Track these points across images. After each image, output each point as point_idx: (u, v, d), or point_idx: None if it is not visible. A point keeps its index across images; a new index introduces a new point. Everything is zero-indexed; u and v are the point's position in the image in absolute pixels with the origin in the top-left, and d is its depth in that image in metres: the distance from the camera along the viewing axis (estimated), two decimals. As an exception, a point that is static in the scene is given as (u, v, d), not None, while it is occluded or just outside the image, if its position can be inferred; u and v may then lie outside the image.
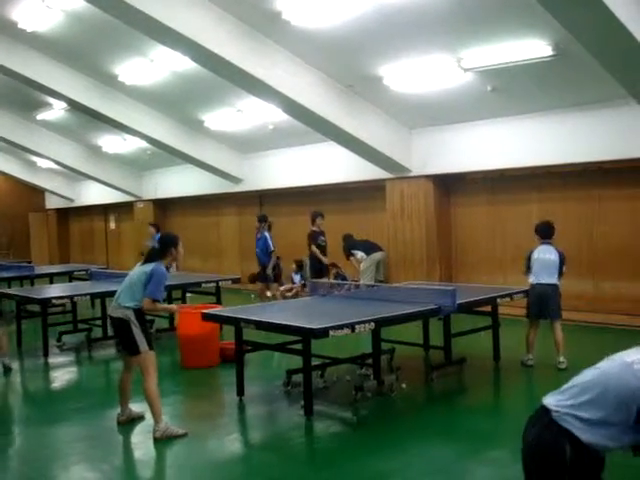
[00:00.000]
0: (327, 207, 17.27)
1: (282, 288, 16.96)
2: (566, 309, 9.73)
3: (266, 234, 13.80)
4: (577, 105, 11.48)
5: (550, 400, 3.19)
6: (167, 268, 6.83)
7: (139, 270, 6.58)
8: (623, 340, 8.51)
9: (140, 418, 6.97)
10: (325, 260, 13.47)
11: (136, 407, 7.03)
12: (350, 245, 14.89)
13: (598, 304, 12.25)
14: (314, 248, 13.30)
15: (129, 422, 6.89)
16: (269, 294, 16.22)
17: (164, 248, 6.66)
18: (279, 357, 8.18)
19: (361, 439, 6.38)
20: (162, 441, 6.30)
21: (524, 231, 11.85)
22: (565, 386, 3.21)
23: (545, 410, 3.17)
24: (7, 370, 9.42)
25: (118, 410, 6.90)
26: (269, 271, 13.83)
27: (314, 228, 13.51)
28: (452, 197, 14.66)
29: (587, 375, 3.16)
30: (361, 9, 9.69)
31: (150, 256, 6.66)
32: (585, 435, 3.01)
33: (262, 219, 14.09)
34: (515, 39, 9.93)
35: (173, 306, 7.64)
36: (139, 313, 6.55)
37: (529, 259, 8.96)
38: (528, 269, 8.98)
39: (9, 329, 10.97)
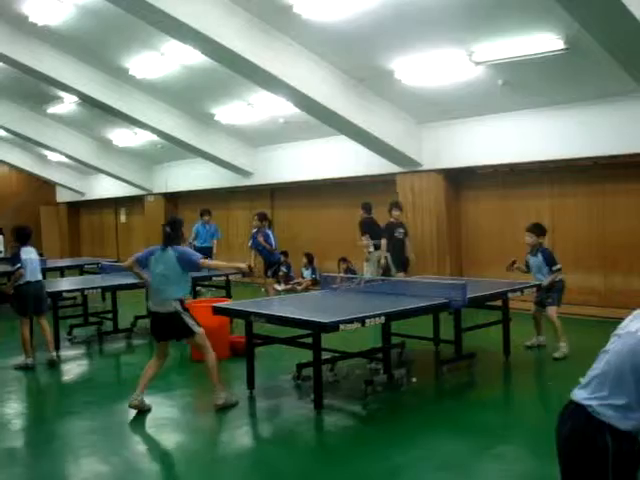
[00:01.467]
0: (337, 201, 17.33)
1: (292, 282, 17.01)
2: (577, 303, 9.77)
3: (268, 232, 13.76)
4: (589, 99, 11.41)
5: (579, 395, 3.14)
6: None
7: (166, 262, 6.94)
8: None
9: (147, 411, 7.09)
10: (411, 255, 13.13)
11: (148, 400, 7.06)
12: (368, 227, 13.75)
13: (609, 298, 12.20)
14: (383, 242, 12.90)
15: (138, 412, 7.02)
16: (279, 288, 16.27)
17: (176, 229, 7.09)
18: (289, 351, 8.18)
19: (371, 433, 6.39)
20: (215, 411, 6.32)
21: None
22: (586, 379, 3.17)
23: (577, 406, 3.12)
24: (52, 364, 9.46)
25: (134, 394, 7.03)
26: (269, 272, 13.77)
27: (391, 219, 13.14)
28: (463, 191, 14.62)
29: (600, 362, 3.11)
30: (372, 2, 9.66)
31: (169, 239, 7.03)
32: (622, 423, 2.95)
33: (263, 217, 13.97)
34: (526, 33, 9.87)
35: (224, 263, 8.02)
36: (182, 301, 7.00)
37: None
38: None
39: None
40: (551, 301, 9.11)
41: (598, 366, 3.12)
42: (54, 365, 9.40)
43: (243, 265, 7.85)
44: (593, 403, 3.03)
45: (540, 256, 9.21)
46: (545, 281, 9.11)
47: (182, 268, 6.94)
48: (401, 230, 13.07)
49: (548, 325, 9.30)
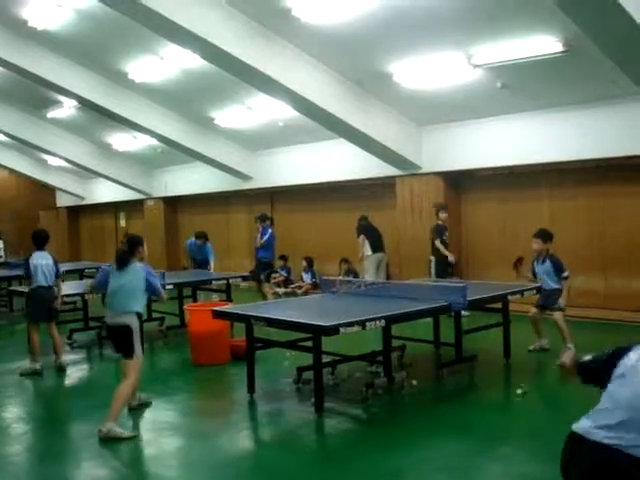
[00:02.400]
0: (337, 204, 17.32)
1: (292, 286, 17.02)
2: (577, 306, 9.76)
3: (270, 230, 13.78)
4: (588, 101, 11.43)
5: (599, 435, 3.00)
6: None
7: (131, 275, 6.80)
8: (635, 337, 8.48)
9: (148, 404, 7.35)
10: (451, 257, 12.59)
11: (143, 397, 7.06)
12: (364, 228, 14.65)
13: (609, 301, 12.20)
14: (438, 243, 12.54)
15: (139, 408, 7.22)
16: (279, 291, 16.27)
17: (132, 248, 6.95)
18: (290, 354, 8.18)
19: (372, 436, 6.39)
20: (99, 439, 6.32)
21: (535, 228, 11.80)
22: (607, 419, 3.03)
23: (597, 445, 2.98)
24: (61, 369, 9.44)
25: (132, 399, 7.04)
26: (263, 274, 13.77)
27: (439, 222, 12.73)
28: (462, 194, 14.63)
29: (622, 399, 3.01)
30: (371, 5, 9.68)
31: (123, 259, 6.90)
32: None
33: (264, 218, 14.01)
34: (525, 35, 9.89)
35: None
36: (140, 317, 6.85)
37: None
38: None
39: (20, 327, 11.02)
40: (558, 306, 9.09)
41: (620, 403, 3.01)
42: (63, 370, 9.38)
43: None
44: (622, 443, 2.91)
45: (548, 263, 9.13)
46: (556, 290, 9.10)
47: (145, 286, 6.87)
48: (447, 233, 12.77)
49: (547, 327, 9.31)
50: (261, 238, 13.78)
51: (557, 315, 9.06)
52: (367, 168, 15.03)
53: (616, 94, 10.95)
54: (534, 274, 9.37)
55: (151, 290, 6.99)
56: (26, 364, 9.39)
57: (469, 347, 8.74)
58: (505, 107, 12.34)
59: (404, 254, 14.63)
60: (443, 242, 12.56)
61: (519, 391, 7.54)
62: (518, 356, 9.05)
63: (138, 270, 6.83)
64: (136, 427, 6.89)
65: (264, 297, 13.71)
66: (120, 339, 6.78)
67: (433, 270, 12.49)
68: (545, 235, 9.26)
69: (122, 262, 6.88)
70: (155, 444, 6.43)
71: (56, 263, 9.49)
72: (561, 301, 9.07)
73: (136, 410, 7.18)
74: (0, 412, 7.74)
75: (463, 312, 10.76)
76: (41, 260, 9.31)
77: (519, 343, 9.37)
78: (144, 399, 7.39)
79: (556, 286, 9.12)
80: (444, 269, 12.36)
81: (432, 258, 12.60)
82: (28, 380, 9.08)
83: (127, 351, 6.70)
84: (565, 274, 9.10)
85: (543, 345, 9.44)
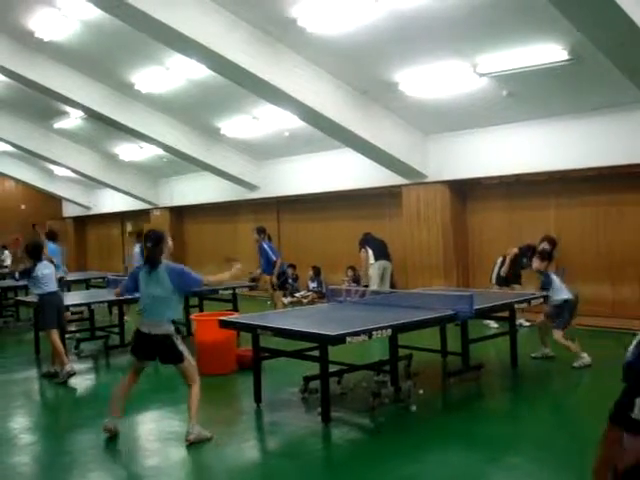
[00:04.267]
0: (343, 213, 17.33)
1: (298, 295, 17.01)
2: (585, 314, 9.74)
3: (265, 245, 13.76)
4: (593, 109, 11.42)
5: None
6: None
7: (160, 285, 6.43)
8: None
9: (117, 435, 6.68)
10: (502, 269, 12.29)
11: (156, 414, 7.04)
12: (365, 240, 14.82)
13: (617, 309, 12.16)
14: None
15: (114, 437, 6.62)
16: (286, 301, 16.25)
17: (161, 245, 6.54)
18: (296, 364, 8.15)
19: (379, 446, 6.36)
20: (187, 447, 6.30)
21: (541, 236, 11.79)
22: None
23: None
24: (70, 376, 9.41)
25: (107, 419, 6.67)
26: (274, 279, 13.75)
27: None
28: (468, 202, 14.62)
29: None
30: (376, 15, 9.70)
31: (153, 259, 6.50)
32: None
33: (261, 231, 14.02)
34: (530, 44, 9.90)
35: (226, 273, 6.91)
36: (174, 324, 6.61)
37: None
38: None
39: (27, 337, 11.03)
40: (555, 325, 9.14)
41: None
42: (64, 379, 9.36)
43: (238, 265, 6.95)
44: None
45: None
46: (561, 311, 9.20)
47: (175, 288, 6.45)
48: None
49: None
50: (265, 254, 13.74)
51: (555, 334, 9.10)
52: (373, 177, 15.04)
53: (622, 102, 10.94)
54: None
55: (188, 288, 6.71)
56: (33, 373, 9.39)
57: (476, 356, 8.72)
58: (511, 115, 12.34)
59: (410, 263, 14.62)
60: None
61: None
62: (525, 365, 9.02)
63: (165, 278, 6.39)
64: (142, 437, 6.87)
65: (274, 306, 13.70)
66: (162, 349, 6.53)
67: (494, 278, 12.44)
68: (544, 255, 9.66)
69: (153, 263, 6.46)
70: (161, 454, 6.41)
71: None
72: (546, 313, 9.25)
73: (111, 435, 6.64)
74: (7, 422, 7.74)
75: (493, 324, 10.82)
76: (46, 270, 9.44)
77: (526, 353, 9.34)
78: (118, 428, 6.70)
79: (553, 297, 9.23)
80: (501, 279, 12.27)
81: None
82: (35, 390, 9.08)
83: (175, 359, 6.54)
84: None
85: (546, 353, 9.42)
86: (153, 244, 6.53)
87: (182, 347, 6.52)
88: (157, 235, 6.65)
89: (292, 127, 14.83)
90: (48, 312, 9.39)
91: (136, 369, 6.80)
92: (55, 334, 9.37)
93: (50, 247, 13.06)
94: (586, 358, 8.86)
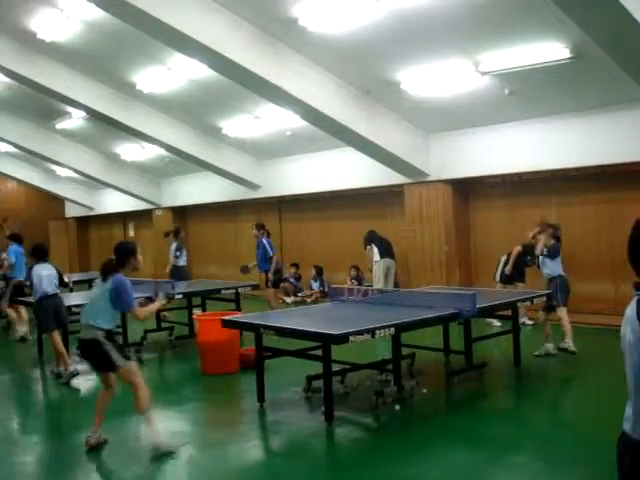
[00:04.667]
0: (345, 212, 17.33)
1: (300, 294, 17.02)
2: (587, 312, 9.74)
3: (264, 240, 13.76)
4: (595, 107, 11.41)
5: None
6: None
7: (101, 288, 6.33)
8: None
9: (105, 442, 6.47)
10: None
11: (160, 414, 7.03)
12: (371, 238, 14.97)
13: (619, 307, 12.11)
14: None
15: (97, 447, 6.39)
16: (289, 300, 16.23)
17: (122, 258, 6.42)
18: (299, 363, 8.16)
19: (382, 445, 6.36)
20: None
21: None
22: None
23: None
24: (57, 377, 9.45)
25: (91, 432, 6.43)
26: (270, 276, 13.72)
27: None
28: (471, 201, 14.62)
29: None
30: (378, 14, 9.69)
31: (107, 269, 6.38)
32: None
33: (260, 227, 14.02)
34: (532, 42, 9.89)
35: (154, 304, 6.77)
36: (108, 332, 6.31)
37: None
38: None
39: (31, 338, 11.04)
40: (557, 303, 9.23)
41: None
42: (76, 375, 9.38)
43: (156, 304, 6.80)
44: None
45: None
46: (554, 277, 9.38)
47: (109, 301, 6.23)
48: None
49: (556, 331, 9.32)
50: (263, 250, 13.71)
51: (560, 312, 9.24)
52: (375, 176, 15.04)
53: (624, 100, 10.93)
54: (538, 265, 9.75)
55: (119, 307, 6.32)
56: (36, 373, 9.40)
57: (479, 355, 8.72)
58: (513, 114, 12.33)
59: (412, 262, 14.62)
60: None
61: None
62: (528, 364, 9.02)
63: (107, 290, 6.23)
64: (146, 437, 6.87)
65: (269, 305, 13.56)
66: (92, 354, 6.32)
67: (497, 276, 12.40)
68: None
69: (104, 273, 6.36)
70: (164, 455, 6.41)
71: (60, 273, 9.65)
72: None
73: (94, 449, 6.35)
74: (11, 422, 7.76)
75: (495, 322, 10.83)
76: (44, 271, 9.46)
77: (530, 351, 9.34)
78: (103, 438, 6.47)
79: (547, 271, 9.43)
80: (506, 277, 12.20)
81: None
82: (38, 390, 9.09)
83: (107, 366, 6.27)
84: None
85: (549, 350, 9.44)
86: (116, 255, 6.44)
87: (115, 355, 6.21)
88: (122, 247, 6.61)
89: (294, 126, 14.83)
90: (47, 315, 9.40)
91: (102, 381, 6.61)
92: (56, 336, 9.39)
93: (14, 249, 13.04)
94: (570, 343, 9.03)
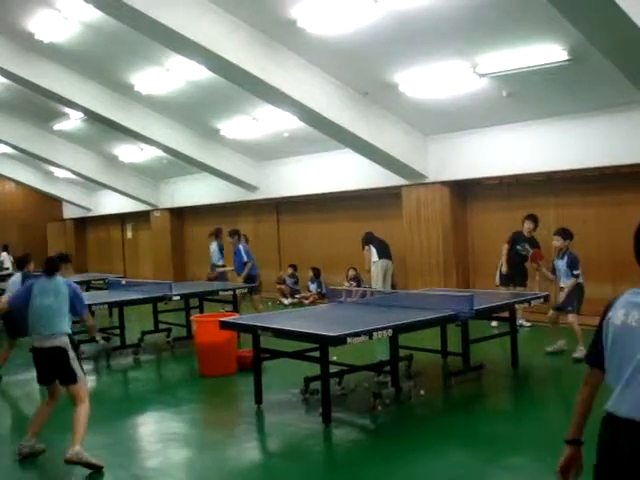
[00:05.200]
0: (343, 214, 17.33)
1: (298, 296, 17.01)
2: (586, 314, 9.72)
3: (240, 247, 13.75)
4: (593, 109, 11.42)
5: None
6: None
7: (55, 291, 6.25)
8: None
9: (42, 452, 6.34)
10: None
11: (157, 415, 7.04)
12: (369, 239, 15.05)
13: (617, 309, 12.14)
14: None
15: (30, 456, 6.25)
16: (286, 302, 16.20)
17: (60, 261, 6.54)
18: (297, 365, 8.15)
19: (380, 446, 6.36)
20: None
21: (542, 236, 11.78)
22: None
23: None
24: None
25: (24, 441, 6.28)
26: (240, 281, 13.69)
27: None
28: (469, 203, 14.62)
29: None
30: (376, 16, 9.70)
31: (53, 265, 6.39)
32: None
33: (234, 233, 14.05)
34: (530, 44, 9.89)
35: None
36: (72, 338, 6.27)
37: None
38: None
39: (28, 339, 11.02)
40: (571, 308, 9.26)
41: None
42: None
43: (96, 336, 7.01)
44: None
45: (566, 258, 9.38)
46: (565, 286, 9.38)
47: (69, 303, 6.25)
48: (527, 246, 11.62)
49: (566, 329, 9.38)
50: (238, 256, 13.71)
51: (571, 318, 9.27)
52: (373, 178, 15.04)
53: (621, 102, 10.93)
54: (554, 271, 9.70)
55: (77, 310, 6.35)
56: (33, 374, 9.36)
57: (476, 356, 8.72)
58: (511, 116, 12.34)
59: (410, 263, 14.62)
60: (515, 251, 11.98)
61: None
62: (526, 365, 9.02)
63: (63, 290, 6.24)
64: (143, 438, 6.87)
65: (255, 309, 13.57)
66: (57, 365, 6.16)
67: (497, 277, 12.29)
68: (565, 233, 9.58)
69: (51, 269, 6.34)
70: (162, 455, 6.41)
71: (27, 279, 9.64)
72: (562, 296, 9.31)
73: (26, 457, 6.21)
74: (9, 423, 7.76)
75: (493, 322, 10.83)
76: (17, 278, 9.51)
77: (527, 353, 9.35)
78: (39, 447, 6.33)
79: (569, 282, 9.36)
80: (505, 279, 12.07)
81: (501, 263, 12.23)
82: (35, 391, 9.07)
83: (68, 377, 6.16)
84: (576, 272, 9.30)
85: (561, 347, 9.53)
86: (58, 258, 6.57)
87: (76, 365, 6.16)
88: (62, 256, 6.77)
89: (291, 128, 14.83)
90: (19, 321, 9.36)
91: (49, 392, 6.49)
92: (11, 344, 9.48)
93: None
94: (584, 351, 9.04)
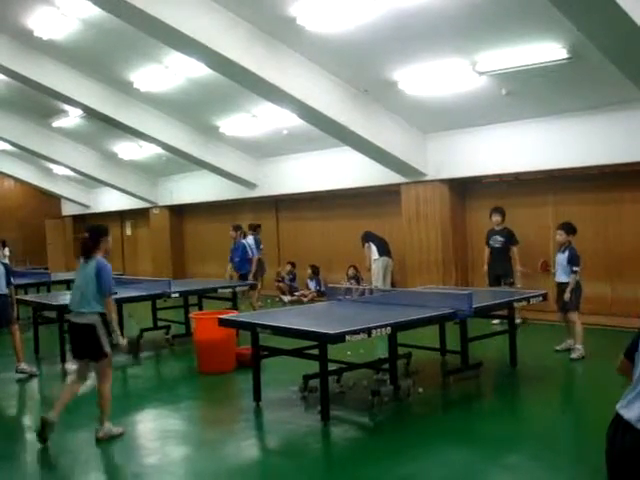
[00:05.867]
0: (342, 212, 17.33)
1: (297, 294, 17.02)
2: (584, 313, 9.75)
3: (244, 242, 13.74)
4: (592, 108, 11.42)
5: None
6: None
7: (86, 271, 6.51)
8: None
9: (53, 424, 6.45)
10: (516, 267, 12.00)
11: (155, 412, 7.04)
12: (368, 236, 15.07)
13: (615, 307, 12.17)
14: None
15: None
16: (285, 299, 16.21)
17: (96, 238, 6.61)
18: (296, 362, 8.16)
19: (378, 444, 6.36)
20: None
21: (540, 234, 11.80)
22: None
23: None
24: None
25: (51, 414, 6.46)
26: (251, 277, 13.68)
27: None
28: (467, 201, 14.62)
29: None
30: (376, 14, 9.69)
31: (88, 247, 6.58)
32: None
33: (237, 228, 14.05)
34: (530, 42, 9.89)
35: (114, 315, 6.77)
36: (104, 317, 6.49)
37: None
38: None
39: (26, 335, 11.04)
40: (570, 305, 9.28)
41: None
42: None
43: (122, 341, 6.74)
44: None
45: (567, 253, 9.40)
46: (561, 282, 9.41)
47: (96, 283, 6.43)
48: (499, 238, 12.12)
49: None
50: (242, 251, 13.72)
51: (571, 315, 9.32)
52: (372, 175, 15.04)
53: (621, 100, 10.93)
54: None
55: (101, 287, 6.43)
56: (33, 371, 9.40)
57: (475, 354, 8.72)
58: (510, 114, 12.33)
59: (409, 261, 14.62)
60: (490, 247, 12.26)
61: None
62: (524, 363, 9.02)
63: (93, 271, 6.43)
64: (142, 435, 6.87)
65: (252, 306, 13.64)
66: (85, 340, 6.49)
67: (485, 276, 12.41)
68: (568, 228, 9.60)
69: (87, 252, 6.56)
70: (161, 453, 6.41)
71: (8, 272, 9.64)
72: (567, 295, 9.27)
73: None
74: (7, 421, 7.74)
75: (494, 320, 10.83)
76: None
77: (525, 351, 9.35)
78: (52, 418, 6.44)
79: (567, 280, 9.36)
80: (491, 277, 12.21)
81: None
82: (34, 388, 9.09)
83: (95, 353, 6.45)
84: (575, 268, 9.31)
85: (570, 345, 9.54)
86: (90, 236, 6.64)
87: (105, 342, 6.47)
88: (96, 228, 6.82)
89: (291, 125, 14.82)
90: None
91: (80, 372, 6.73)
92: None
93: None
94: (581, 350, 9.20)
